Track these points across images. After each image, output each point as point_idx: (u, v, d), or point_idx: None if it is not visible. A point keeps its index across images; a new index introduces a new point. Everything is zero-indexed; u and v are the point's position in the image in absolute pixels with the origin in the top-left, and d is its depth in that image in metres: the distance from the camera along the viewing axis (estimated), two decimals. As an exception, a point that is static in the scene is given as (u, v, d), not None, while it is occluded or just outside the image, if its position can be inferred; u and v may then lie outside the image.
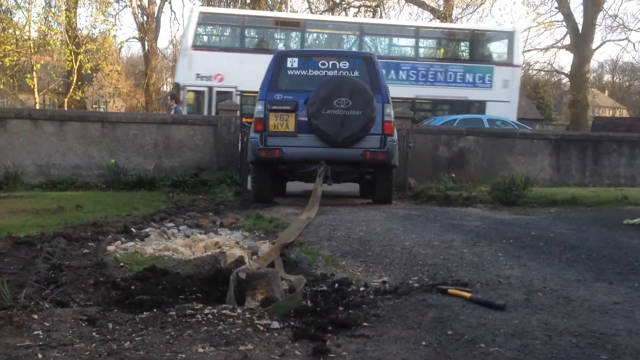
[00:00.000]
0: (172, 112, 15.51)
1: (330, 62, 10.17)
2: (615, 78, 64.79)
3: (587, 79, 34.39)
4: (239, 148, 12.95)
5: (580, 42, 29.41)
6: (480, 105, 20.62)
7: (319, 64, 10.16)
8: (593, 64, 49.31)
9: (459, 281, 3.98)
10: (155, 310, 3.45)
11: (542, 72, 37.10)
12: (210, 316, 3.27)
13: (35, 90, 26.31)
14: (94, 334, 3.07)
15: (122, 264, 4.86)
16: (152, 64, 38.92)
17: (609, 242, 5.94)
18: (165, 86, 46.66)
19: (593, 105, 47.24)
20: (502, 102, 20.55)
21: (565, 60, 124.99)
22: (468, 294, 3.54)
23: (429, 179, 15.23)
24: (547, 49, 31.88)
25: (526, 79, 38.89)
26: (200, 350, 2.80)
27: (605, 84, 64.57)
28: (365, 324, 3.24)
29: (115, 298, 3.82)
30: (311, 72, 9.99)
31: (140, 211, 9.09)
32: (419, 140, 14.08)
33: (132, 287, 4.10)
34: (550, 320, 3.11)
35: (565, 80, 38.08)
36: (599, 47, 50.92)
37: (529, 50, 31.55)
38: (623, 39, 34.53)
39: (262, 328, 3.18)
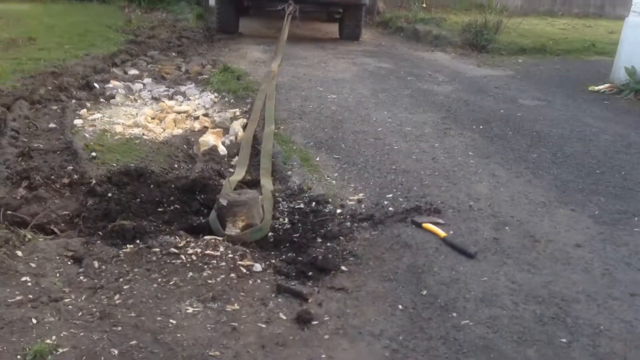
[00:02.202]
0: None
1: None
2: None
3: None
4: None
5: None
6: None
7: None
8: None
9: (432, 205, 4.11)
10: (138, 241, 3.51)
11: None
12: (194, 257, 3.36)
13: None
14: (81, 277, 3.15)
15: (93, 153, 4.77)
16: None
17: (573, 129, 6.08)
18: None
19: None
20: None
21: None
22: (442, 233, 3.70)
23: (398, 5, 14.78)
24: None
25: None
26: (189, 310, 2.93)
27: None
28: (343, 267, 3.39)
29: (94, 215, 3.83)
30: None
31: (99, 49, 8.71)
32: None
33: (109, 195, 4.11)
34: (516, 276, 3.32)
35: None
36: None
37: None
38: None
39: (245, 271, 3.30)
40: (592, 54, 10.96)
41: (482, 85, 7.97)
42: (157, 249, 3.43)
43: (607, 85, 8.11)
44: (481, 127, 5.98)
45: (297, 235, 3.79)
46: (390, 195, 4.28)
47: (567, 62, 10.17)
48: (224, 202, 3.76)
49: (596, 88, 8.07)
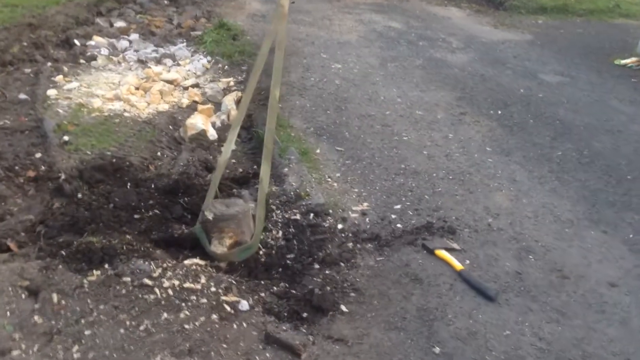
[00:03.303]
0: None
1: None
2: None
3: None
4: None
5: None
6: None
7: None
8: None
9: (446, 222, 3.62)
10: (106, 265, 3.03)
11: None
12: (170, 292, 2.89)
13: None
14: (36, 317, 2.69)
15: (65, 137, 4.22)
16: None
17: (600, 117, 5.52)
18: None
19: None
20: None
21: None
22: (457, 265, 3.22)
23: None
24: None
25: None
26: (160, 369, 2.49)
27: None
28: (343, 307, 2.94)
29: (59, 224, 3.33)
30: None
31: (84, -7, 7.90)
32: None
33: (79, 196, 3.60)
34: (544, 329, 2.86)
35: None
36: None
37: None
38: None
39: (229, 310, 2.84)
40: (616, 16, 10.22)
41: (499, 53, 7.32)
42: (128, 279, 2.95)
43: (634, 59, 7.46)
44: (499, 112, 5.42)
45: (292, 257, 3.32)
46: (399, 207, 3.78)
47: (590, 25, 9.45)
48: (209, 215, 3.26)
49: (622, 62, 7.44)
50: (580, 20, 9.76)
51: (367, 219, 3.64)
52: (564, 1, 10.24)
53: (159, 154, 4.30)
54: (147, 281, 2.94)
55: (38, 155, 4.03)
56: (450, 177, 4.17)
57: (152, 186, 3.77)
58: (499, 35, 8.27)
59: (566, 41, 8.33)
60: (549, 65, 7.07)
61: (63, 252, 3.11)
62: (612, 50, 7.99)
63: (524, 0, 10.03)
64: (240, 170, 4.29)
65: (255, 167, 4.34)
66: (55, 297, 2.81)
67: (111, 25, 7.01)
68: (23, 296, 2.81)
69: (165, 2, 8.28)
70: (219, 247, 3.27)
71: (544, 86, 6.26)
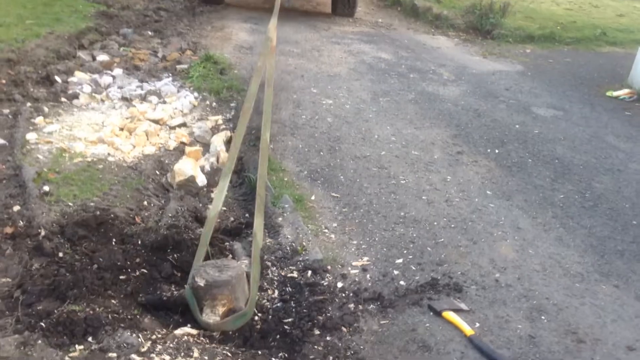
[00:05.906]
0: None
1: None
2: None
3: None
4: None
5: None
6: None
7: None
8: None
9: (451, 279, 3.43)
10: (90, 338, 2.80)
11: None
12: (160, 369, 2.66)
13: None
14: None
15: (46, 187, 3.98)
16: None
17: (598, 155, 5.40)
18: None
19: None
20: None
21: None
22: (467, 330, 3.02)
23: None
24: None
25: None
26: None
27: None
28: (347, 381, 2.72)
29: (38, 289, 3.09)
30: None
31: (65, 25, 7.76)
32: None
33: (60, 255, 3.36)
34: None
35: None
36: None
37: None
38: None
39: (225, 388, 2.62)
40: (603, 44, 10.23)
41: (491, 85, 7.21)
42: (114, 354, 2.71)
43: (626, 91, 7.40)
44: (497, 150, 5.27)
45: (290, 321, 3.10)
46: (401, 261, 3.58)
47: (579, 54, 9.42)
48: (201, 282, 3.03)
49: (614, 94, 7.37)
50: (568, 49, 9.74)
51: (368, 276, 3.44)
52: (551, 29, 10.22)
53: (145, 203, 4.07)
54: (134, 357, 2.71)
55: (16, 208, 3.78)
56: (452, 226, 3.99)
57: (139, 242, 3.54)
58: (489, 66, 8.18)
59: (556, 72, 8.26)
60: (542, 97, 6.97)
61: (42, 324, 2.86)
62: (603, 81, 7.94)
63: (511, 29, 9.98)
64: (232, 219, 4.08)
65: (247, 215, 4.14)
66: (33, 381, 2.57)
67: (94, 59, 6.79)
68: (-3, 382, 2.57)
69: (150, 33, 8.08)
70: (211, 317, 3.05)
71: (538, 121, 6.14)
